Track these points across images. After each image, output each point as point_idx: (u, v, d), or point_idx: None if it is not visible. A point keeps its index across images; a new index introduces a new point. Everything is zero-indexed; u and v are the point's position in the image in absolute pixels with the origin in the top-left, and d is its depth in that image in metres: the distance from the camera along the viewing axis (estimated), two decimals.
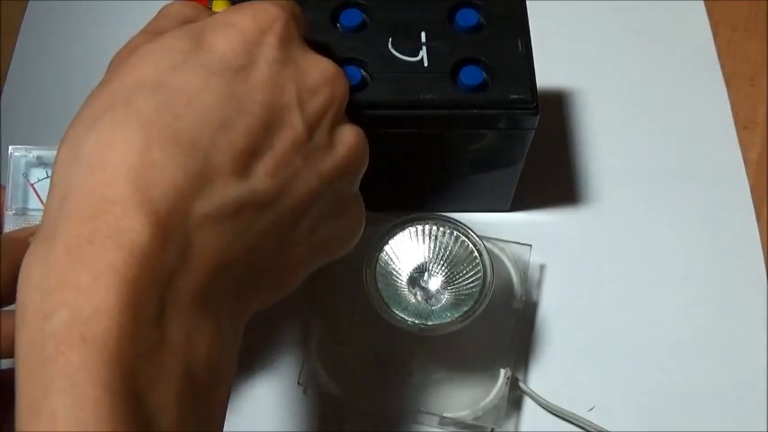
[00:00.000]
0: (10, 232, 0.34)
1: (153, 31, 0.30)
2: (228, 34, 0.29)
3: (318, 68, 0.30)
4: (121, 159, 0.24)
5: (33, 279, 0.24)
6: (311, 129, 0.29)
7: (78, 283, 0.23)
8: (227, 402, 0.27)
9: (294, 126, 0.28)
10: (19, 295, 0.24)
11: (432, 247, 0.41)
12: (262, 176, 0.27)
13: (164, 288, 0.24)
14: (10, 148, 0.36)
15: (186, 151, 0.25)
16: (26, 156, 0.36)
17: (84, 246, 0.23)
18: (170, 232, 0.24)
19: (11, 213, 0.36)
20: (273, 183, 0.27)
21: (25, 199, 0.36)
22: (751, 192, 0.49)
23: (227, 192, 0.26)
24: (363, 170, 0.33)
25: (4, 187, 0.36)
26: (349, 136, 0.31)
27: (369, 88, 0.39)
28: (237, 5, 0.31)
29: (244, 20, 0.29)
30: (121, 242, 0.23)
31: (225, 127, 0.26)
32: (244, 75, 0.28)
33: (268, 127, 0.28)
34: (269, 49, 0.29)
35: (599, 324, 0.45)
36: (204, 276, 0.25)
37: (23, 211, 0.36)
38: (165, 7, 0.32)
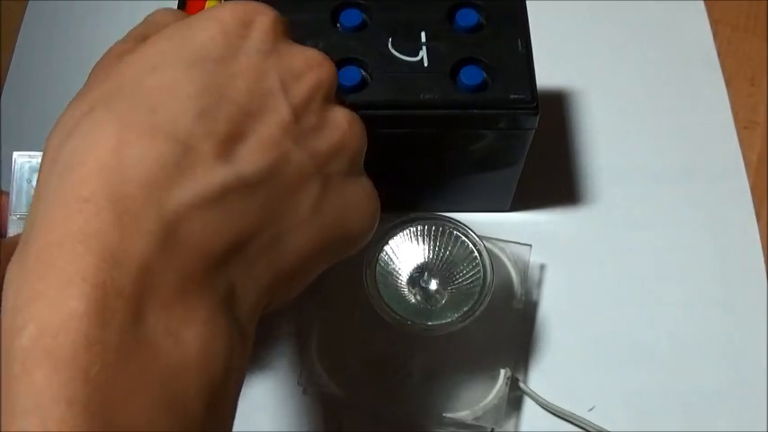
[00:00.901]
0: (13, 236, 0.34)
1: (135, 38, 0.30)
2: (209, 26, 0.28)
3: (302, 55, 0.30)
4: (96, 158, 0.24)
5: (9, 295, 0.23)
6: (298, 112, 0.29)
7: (48, 294, 0.22)
8: (235, 409, 0.26)
9: (279, 110, 0.28)
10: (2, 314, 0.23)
11: (432, 247, 0.41)
12: (247, 158, 0.26)
13: (141, 286, 0.23)
14: (14, 154, 0.37)
15: (162, 143, 0.25)
16: (29, 161, 0.37)
17: (54, 252, 0.22)
18: (145, 227, 0.23)
19: (15, 218, 0.36)
20: (260, 163, 0.27)
21: (29, 204, 0.37)
22: (751, 192, 0.49)
23: (209, 177, 0.25)
24: (362, 151, 0.32)
25: (8, 193, 0.37)
26: (342, 118, 0.31)
27: (369, 88, 0.39)
28: (224, 3, 0.31)
29: (225, 13, 0.29)
30: (91, 245, 0.22)
31: (204, 115, 0.26)
32: (224, 65, 0.28)
33: (251, 113, 0.27)
34: (251, 41, 0.29)
35: (599, 324, 0.45)
36: (191, 266, 0.24)
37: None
38: (151, 14, 0.32)
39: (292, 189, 0.28)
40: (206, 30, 0.28)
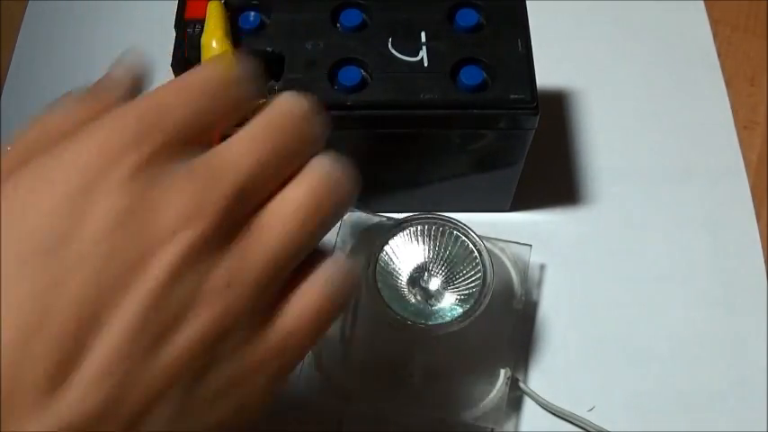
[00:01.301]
0: None
1: (7, 164, 0.25)
2: (49, 191, 0.22)
3: (175, 206, 0.23)
4: None
5: None
6: (152, 305, 0.22)
7: None
8: None
9: (125, 312, 0.22)
10: None
11: (432, 247, 0.41)
12: (78, 394, 0.21)
13: None
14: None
15: None
16: None
17: None
18: None
19: None
20: (94, 400, 0.21)
21: None
22: (751, 192, 0.49)
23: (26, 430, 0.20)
24: (248, 322, 0.25)
25: None
26: (215, 288, 0.23)
27: (369, 88, 0.39)
28: (86, 129, 0.24)
29: (75, 162, 0.23)
30: None
31: (32, 337, 0.21)
32: (62, 252, 0.22)
33: (89, 322, 0.22)
34: (100, 206, 0.22)
35: (599, 324, 0.45)
36: None
37: None
38: (39, 120, 0.27)
39: (138, 416, 0.22)
40: (46, 198, 0.22)
